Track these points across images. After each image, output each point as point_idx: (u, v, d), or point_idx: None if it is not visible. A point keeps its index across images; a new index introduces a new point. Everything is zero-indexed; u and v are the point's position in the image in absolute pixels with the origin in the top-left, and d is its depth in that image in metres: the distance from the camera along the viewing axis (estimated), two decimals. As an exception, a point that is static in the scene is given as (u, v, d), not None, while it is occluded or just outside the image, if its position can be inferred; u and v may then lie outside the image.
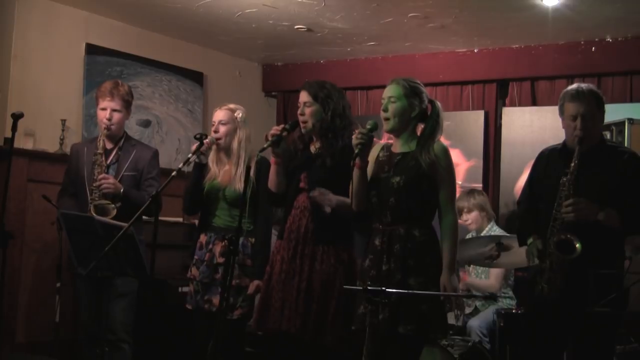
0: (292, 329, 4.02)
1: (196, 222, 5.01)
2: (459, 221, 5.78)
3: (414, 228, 3.80)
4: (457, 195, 5.98)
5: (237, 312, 4.53)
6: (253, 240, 4.61)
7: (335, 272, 4.07)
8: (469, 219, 5.90)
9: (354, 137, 3.80)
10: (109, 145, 4.74)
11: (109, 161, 4.70)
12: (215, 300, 4.52)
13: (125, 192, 4.59)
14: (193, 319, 4.69)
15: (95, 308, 4.66)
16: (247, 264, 4.57)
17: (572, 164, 3.73)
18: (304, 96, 4.21)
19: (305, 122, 4.19)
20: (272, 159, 4.23)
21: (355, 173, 3.81)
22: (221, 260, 4.52)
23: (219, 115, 4.68)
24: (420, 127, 3.95)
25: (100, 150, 4.64)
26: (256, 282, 4.50)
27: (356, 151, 3.75)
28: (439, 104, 3.98)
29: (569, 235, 3.64)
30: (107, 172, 4.66)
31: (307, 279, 4.06)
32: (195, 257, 4.68)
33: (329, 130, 4.18)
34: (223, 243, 4.53)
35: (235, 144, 4.65)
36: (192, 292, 4.66)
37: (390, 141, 4.04)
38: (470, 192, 6.08)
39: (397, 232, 3.80)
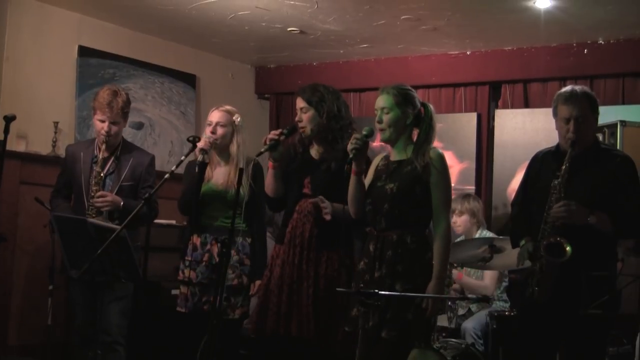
0: (302, 334, 4.04)
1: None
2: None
3: (406, 235, 3.79)
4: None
5: (238, 312, 4.58)
6: (249, 240, 4.63)
7: (339, 276, 4.09)
8: (458, 222, 5.90)
9: (349, 142, 3.80)
10: (105, 154, 4.67)
11: (105, 171, 4.64)
12: None
13: (125, 205, 4.54)
14: (189, 322, 4.67)
15: (91, 311, 4.64)
16: (246, 264, 4.59)
17: (564, 167, 3.73)
18: (299, 102, 4.24)
19: (304, 127, 4.22)
20: (269, 163, 4.23)
21: (352, 180, 3.83)
22: None
23: (217, 116, 4.68)
24: (415, 132, 3.95)
25: (98, 169, 4.59)
26: (258, 282, 4.55)
27: (351, 156, 3.75)
28: (431, 106, 3.98)
29: (559, 239, 3.63)
30: (105, 183, 4.61)
31: (314, 284, 4.07)
32: (189, 258, 4.67)
33: (327, 132, 4.19)
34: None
35: (234, 148, 4.68)
36: (188, 294, 4.66)
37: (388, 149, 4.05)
38: (466, 196, 6.08)
39: (390, 239, 3.80)
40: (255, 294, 4.58)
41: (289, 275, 4.13)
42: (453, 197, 5.94)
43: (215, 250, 4.59)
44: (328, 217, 4.00)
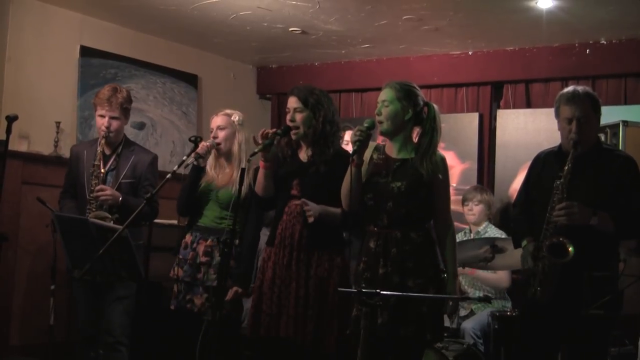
0: (290, 335, 4.02)
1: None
2: (464, 210, 5.93)
3: (410, 231, 3.83)
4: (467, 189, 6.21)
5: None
6: (237, 242, 4.62)
7: (330, 276, 4.07)
8: (475, 209, 5.92)
9: (352, 133, 3.82)
10: (107, 151, 4.71)
11: (107, 167, 4.66)
12: (197, 300, 4.58)
13: (123, 200, 4.56)
14: (176, 320, 4.69)
15: (93, 310, 4.66)
16: (230, 265, 4.57)
17: (566, 168, 3.73)
18: (293, 102, 4.15)
19: (296, 127, 4.14)
20: (260, 163, 4.20)
21: (352, 172, 3.82)
22: (204, 259, 4.57)
23: (217, 121, 4.71)
24: (416, 131, 3.96)
25: (97, 162, 4.61)
26: (234, 288, 4.51)
27: (354, 148, 3.77)
28: (436, 107, 3.97)
29: (561, 239, 3.63)
30: (106, 180, 4.63)
31: (304, 285, 4.06)
32: (180, 256, 4.69)
33: (320, 136, 4.16)
34: (207, 242, 4.59)
35: (235, 148, 4.69)
36: (176, 292, 4.68)
37: (384, 143, 4.04)
38: (482, 188, 6.16)
39: (393, 236, 3.82)
40: (230, 299, 4.51)
41: (279, 276, 4.11)
42: (467, 188, 6.17)
43: (201, 249, 4.60)
44: (311, 220, 3.99)
